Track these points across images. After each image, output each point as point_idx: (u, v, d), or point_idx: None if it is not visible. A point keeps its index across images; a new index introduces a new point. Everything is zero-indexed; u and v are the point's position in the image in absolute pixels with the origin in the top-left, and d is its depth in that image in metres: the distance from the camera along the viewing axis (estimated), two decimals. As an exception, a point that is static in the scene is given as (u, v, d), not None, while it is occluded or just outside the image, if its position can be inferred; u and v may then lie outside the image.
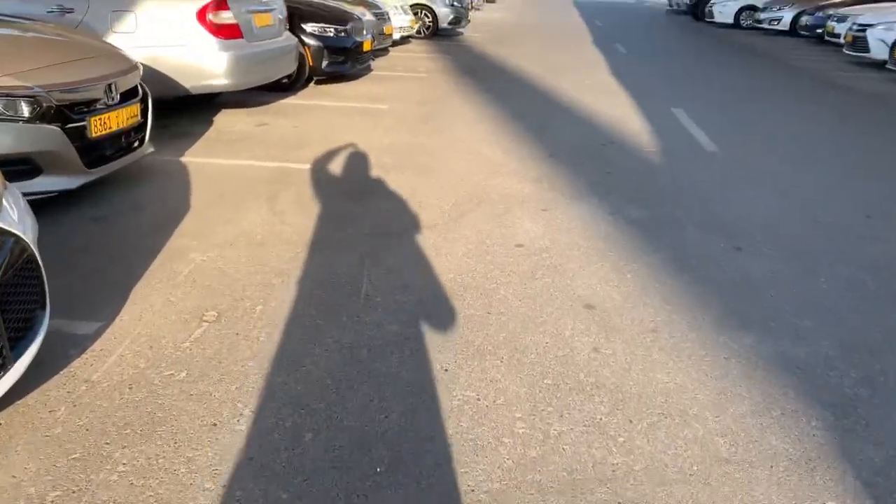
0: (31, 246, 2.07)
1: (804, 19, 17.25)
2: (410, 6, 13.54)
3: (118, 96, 3.85)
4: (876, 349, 2.65)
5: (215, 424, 2.06)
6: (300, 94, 7.57)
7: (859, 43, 11.78)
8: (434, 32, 14.58)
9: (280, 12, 6.71)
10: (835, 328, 2.80)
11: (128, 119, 3.94)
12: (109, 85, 3.76)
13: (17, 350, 1.96)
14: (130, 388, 2.21)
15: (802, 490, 1.89)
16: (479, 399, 2.24)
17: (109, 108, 3.75)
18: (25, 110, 3.28)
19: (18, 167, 3.32)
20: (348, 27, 8.03)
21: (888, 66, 11.00)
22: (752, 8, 20.15)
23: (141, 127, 4.18)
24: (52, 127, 3.38)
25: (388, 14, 10.81)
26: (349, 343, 2.54)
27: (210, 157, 4.88)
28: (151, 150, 4.38)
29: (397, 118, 6.50)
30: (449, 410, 2.17)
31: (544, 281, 3.12)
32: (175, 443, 1.98)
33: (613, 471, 1.93)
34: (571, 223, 3.88)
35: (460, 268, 3.23)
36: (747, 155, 5.60)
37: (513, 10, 27.06)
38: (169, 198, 4.02)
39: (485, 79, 9.20)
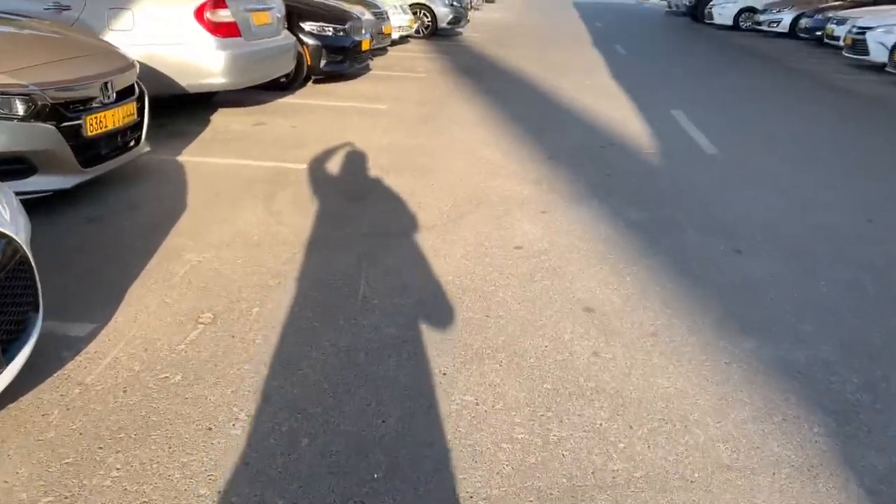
0: (24, 247, 2.04)
1: (803, 21, 17.25)
2: (409, 6, 13.50)
3: (114, 95, 3.82)
4: (876, 354, 2.63)
5: (210, 429, 2.03)
6: (298, 93, 7.54)
7: (859, 46, 11.78)
8: (433, 32, 14.56)
9: (278, 11, 6.68)
10: (835, 332, 2.78)
11: (124, 118, 3.91)
12: (105, 83, 3.73)
13: (10, 353, 1.94)
14: (125, 392, 2.18)
15: (805, 498, 1.87)
16: (477, 404, 2.22)
17: (105, 106, 3.72)
18: (20, 108, 3.25)
19: (13, 166, 3.30)
20: (347, 26, 8.00)
21: (888, 69, 10.99)
22: (752, 10, 20.15)
23: (137, 126, 4.15)
24: (47, 125, 3.35)
25: (386, 13, 10.78)
26: (346, 346, 2.51)
27: (207, 157, 4.85)
28: (148, 149, 4.35)
29: (396, 118, 6.47)
30: (447, 415, 2.15)
31: (543, 283, 3.10)
32: (169, 447, 1.95)
33: (614, 477, 1.91)
34: (571, 225, 3.85)
35: (459, 270, 3.20)
36: (747, 157, 5.58)
37: (512, 11, 27.05)
38: (165, 197, 3.99)
39: (484, 79, 9.17)
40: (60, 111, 3.42)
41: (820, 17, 16.33)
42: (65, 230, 3.44)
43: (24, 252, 2.04)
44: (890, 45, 10.93)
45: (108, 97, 3.76)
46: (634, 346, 2.60)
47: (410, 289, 2.98)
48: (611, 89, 8.83)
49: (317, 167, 4.74)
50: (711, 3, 21.81)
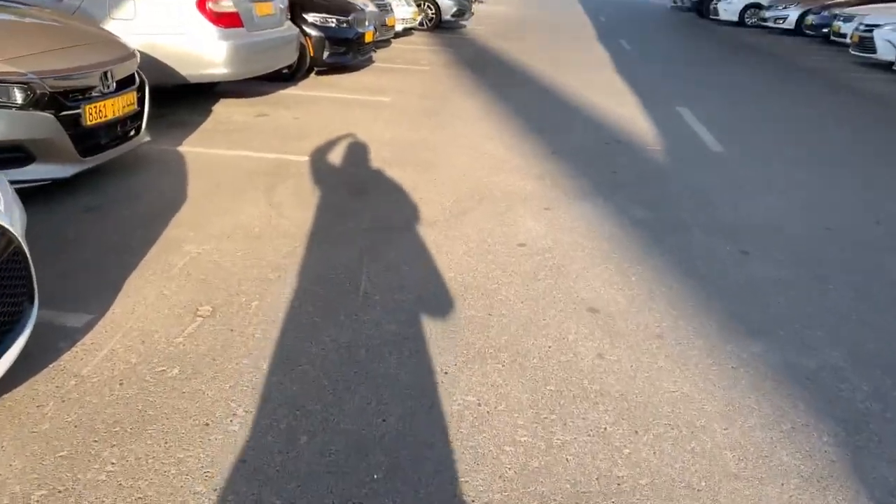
0: (18, 237, 2.00)
1: (810, 18, 17.13)
2: (414, -2, 13.42)
3: (114, 84, 3.78)
4: (886, 361, 2.58)
5: (208, 424, 2.00)
6: (301, 84, 7.48)
7: (866, 43, 11.68)
8: (437, 25, 14.47)
9: (281, 1, 6.61)
10: (844, 337, 2.73)
11: (124, 107, 3.86)
12: (105, 72, 3.68)
13: (4, 343, 1.91)
14: (121, 384, 2.14)
15: (813, 507, 1.83)
16: (479, 404, 2.18)
17: (105, 95, 3.67)
18: (19, 97, 3.21)
19: (11, 154, 3.26)
20: (350, 18, 7.94)
21: (895, 67, 10.91)
22: (758, 6, 20.05)
23: (137, 115, 4.10)
24: (46, 114, 3.30)
25: (390, 5, 10.71)
26: (347, 342, 2.47)
27: (208, 148, 4.80)
28: (148, 139, 4.30)
29: (399, 111, 6.42)
30: (449, 415, 2.11)
31: (547, 282, 3.06)
32: (166, 442, 1.91)
33: (619, 484, 1.87)
34: (574, 223, 3.81)
35: (461, 267, 3.16)
36: (753, 155, 5.53)
37: (516, 4, 26.92)
38: (165, 188, 3.95)
39: (488, 73, 9.11)
40: (59, 100, 3.37)
41: (826, 13, 16.23)
42: (63, 220, 3.39)
43: (19, 242, 2.00)
44: (897, 43, 10.86)
45: (108, 86, 3.71)
46: (640, 349, 2.55)
47: (412, 285, 2.94)
48: (615, 85, 8.77)
49: (319, 159, 4.69)
50: (717, -1, 21.72)
